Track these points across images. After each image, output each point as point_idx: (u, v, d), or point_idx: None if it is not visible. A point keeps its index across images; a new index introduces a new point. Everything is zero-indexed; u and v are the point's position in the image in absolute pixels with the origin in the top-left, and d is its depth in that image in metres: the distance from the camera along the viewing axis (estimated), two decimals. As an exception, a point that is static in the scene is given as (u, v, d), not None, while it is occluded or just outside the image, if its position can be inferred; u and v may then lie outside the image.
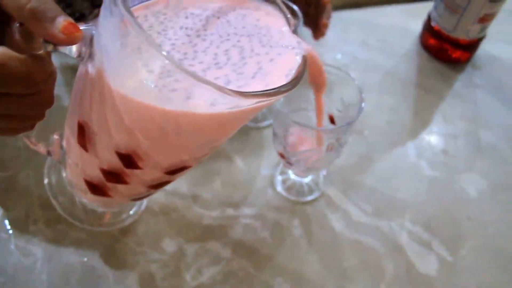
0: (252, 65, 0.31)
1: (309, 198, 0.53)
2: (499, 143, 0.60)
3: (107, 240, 0.48)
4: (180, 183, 0.53)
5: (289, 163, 0.47)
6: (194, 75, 0.24)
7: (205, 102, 0.27)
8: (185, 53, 0.31)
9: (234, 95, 0.25)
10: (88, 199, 0.43)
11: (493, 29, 0.67)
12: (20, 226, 0.48)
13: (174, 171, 0.35)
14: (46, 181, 0.47)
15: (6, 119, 0.31)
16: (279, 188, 0.53)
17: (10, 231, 0.48)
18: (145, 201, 0.50)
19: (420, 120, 0.62)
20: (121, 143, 0.31)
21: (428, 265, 0.49)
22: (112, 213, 0.49)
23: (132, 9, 0.32)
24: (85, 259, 0.47)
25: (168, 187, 0.52)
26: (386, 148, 0.59)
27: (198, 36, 0.32)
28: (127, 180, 0.35)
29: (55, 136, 0.40)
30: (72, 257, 0.47)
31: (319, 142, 0.43)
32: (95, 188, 0.37)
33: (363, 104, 0.41)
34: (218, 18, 0.34)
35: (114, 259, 0.47)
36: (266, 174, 0.55)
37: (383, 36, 0.74)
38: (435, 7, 0.66)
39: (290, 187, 0.53)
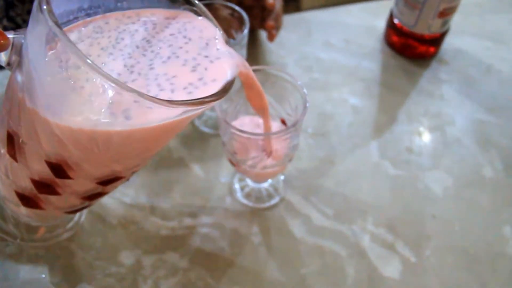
0: (184, 77, 0.30)
1: (268, 204, 0.52)
2: (464, 139, 0.59)
3: (65, 255, 0.48)
4: (138, 194, 0.52)
5: (241, 171, 0.46)
6: (120, 83, 0.24)
7: (133, 116, 0.27)
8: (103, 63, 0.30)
9: (160, 103, 0.25)
10: (21, 213, 0.41)
11: (459, 22, 0.66)
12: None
13: (107, 182, 0.35)
14: None
15: None
16: (238, 195, 0.52)
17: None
18: (84, 215, 0.49)
19: (384, 118, 0.61)
20: (51, 153, 0.31)
21: (391, 267, 0.47)
22: (47, 227, 0.47)
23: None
24: (43, 275, 0.46)
25: (126, 199, 0.52)
26: (349, 149, 0.58)
27: (144, 48, 0.32)
28: (59, 191, 0.34)
29: None
30: (29, 274, 0.46)
31: (266, 147, 0.42)
32: (27, 200, 0.36)
33: (307, 104, 0.40)
34: (157, 31, 0.34)
35: (71, 274, 0.47)
36: (225, 182, 0.54)
37: (347, 35, 0.73)
38: (396, 4, 0.65)
39: (249, 194, 0.52)
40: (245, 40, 0.50)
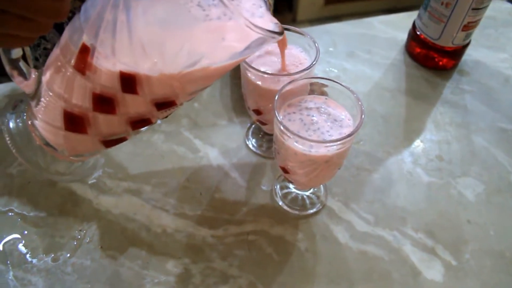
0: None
1: (311, 211, 0.53)
2: (491, 146, 0.61)
3: (111, 265, 0.48)
4: (180, 203, 0.53)
5: (293, 179, 0.47)
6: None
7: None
8: None
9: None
10: (54, 142, 0.41)
11: (475, 34, 0.69)
12: (18, 256, 0.48)
13: (162, 105, 0.37)
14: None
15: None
16: (281, 202, 0.53)
17: (8, 261, 0.47)
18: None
19: (412, 127, 0.63)
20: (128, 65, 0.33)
21: (434, 271, 0.49)
22: (71, 164, 0.47)
23: None
24: (89, 286, 0.46)
25: (170, 208, 0.52)
26: (382, 157, 0.59)
27: None
28: (115, 110, 0.36)
29: (35, 72, 0.39)
30: (75, 284, 0.46)
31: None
32: (72, 122, 0.37)
33: (363, 116, 0.42)
34: None
35: (119, 284, 0.46)
36: (266, 189, 0.55)
37: (370, 46, 0.76)
38: (420, 16, 0.68)
39: (292, 201, 0.53)
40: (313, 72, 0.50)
